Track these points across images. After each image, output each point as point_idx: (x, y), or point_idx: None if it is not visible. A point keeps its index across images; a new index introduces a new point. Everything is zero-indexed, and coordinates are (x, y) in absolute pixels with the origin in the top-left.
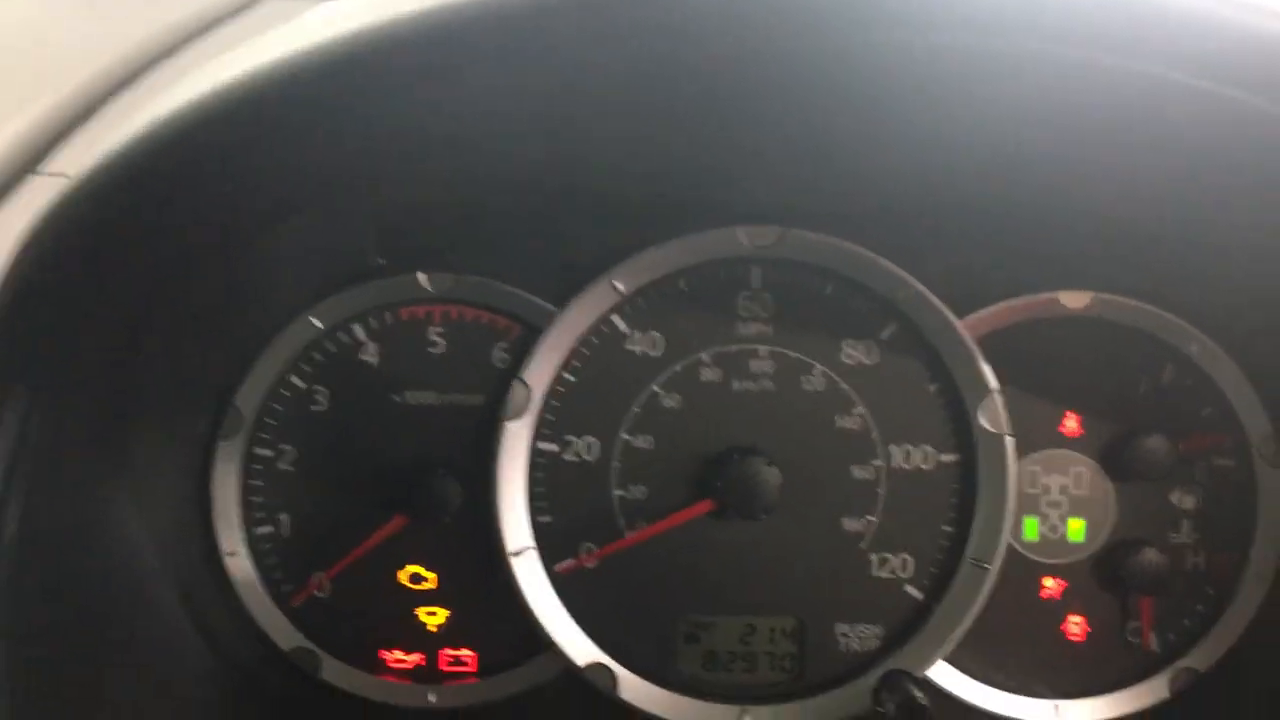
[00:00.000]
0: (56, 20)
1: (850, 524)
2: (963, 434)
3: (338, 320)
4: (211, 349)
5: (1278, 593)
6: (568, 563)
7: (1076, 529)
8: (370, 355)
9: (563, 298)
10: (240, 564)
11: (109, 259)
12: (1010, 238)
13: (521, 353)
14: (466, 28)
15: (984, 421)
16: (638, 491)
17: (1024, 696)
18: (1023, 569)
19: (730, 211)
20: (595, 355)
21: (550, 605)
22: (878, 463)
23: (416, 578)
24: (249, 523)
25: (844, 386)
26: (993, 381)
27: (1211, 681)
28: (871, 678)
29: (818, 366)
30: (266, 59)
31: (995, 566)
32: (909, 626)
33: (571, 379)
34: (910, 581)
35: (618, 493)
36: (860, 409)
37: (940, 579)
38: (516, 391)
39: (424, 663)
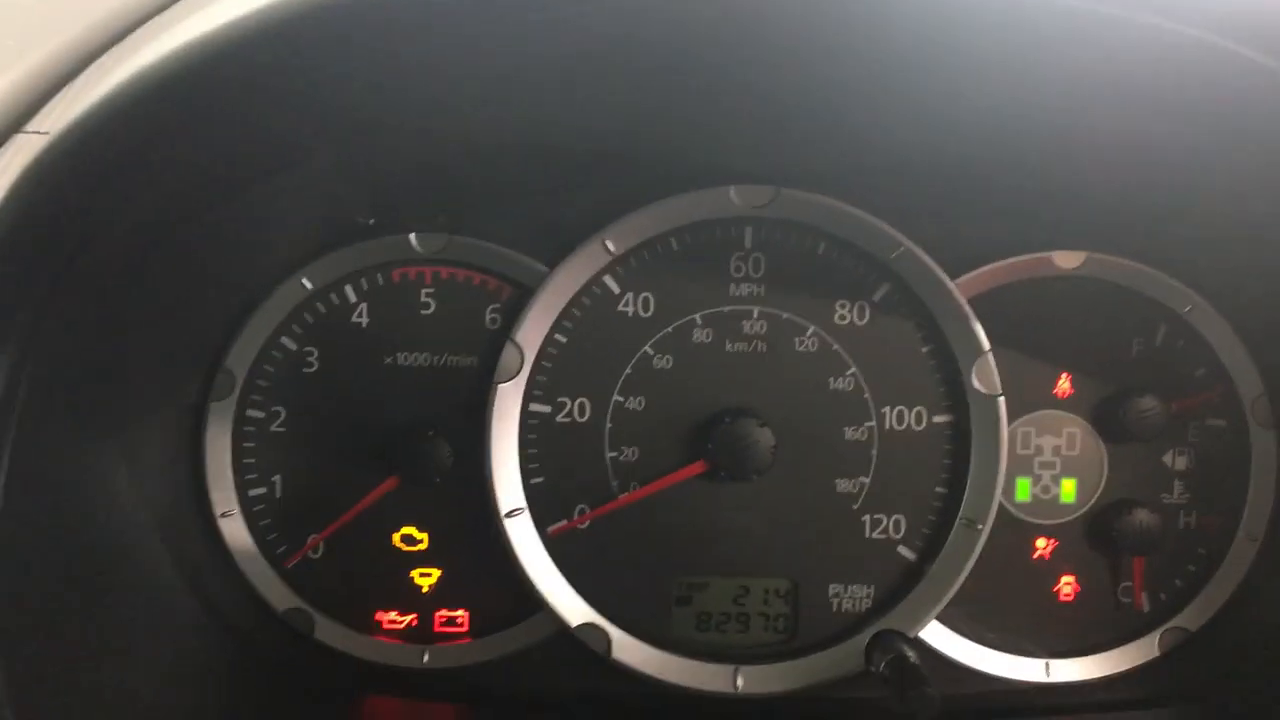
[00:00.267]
0: None
1: (843, 485)
2: (955, 395)
3: (328, 281)
4: (201, 310)
5: (1268, 553)
6: (560, 524)
7: (1068, 489)
8: (361, 316)
9: (554, 258)
10: (234, 526)
11: (91, 217)
12: (1003, 198)
13: (513, 314)
14: None
15: (976, 382)
16: (630, 453)
17: (1015, 655)
18: (1015, 529)
19: (723, 171)
20: (587, 316)
21: (543, 566)
22: (870, 424)
23: (409, 539)
24: (242, 485)
25: (836, 348)
26: (985, 342)
27: (1201, 641)
28: (864, 638)
29: (810, 328)
30: (248, 13)
31: (987, 527)
32: (901, 587)
33: (563, 340)
34: (902, 542)
35: (610, 454)
36: (853, 370)
37: (932, 540)
38: (508, 353)
39: (417, 623)
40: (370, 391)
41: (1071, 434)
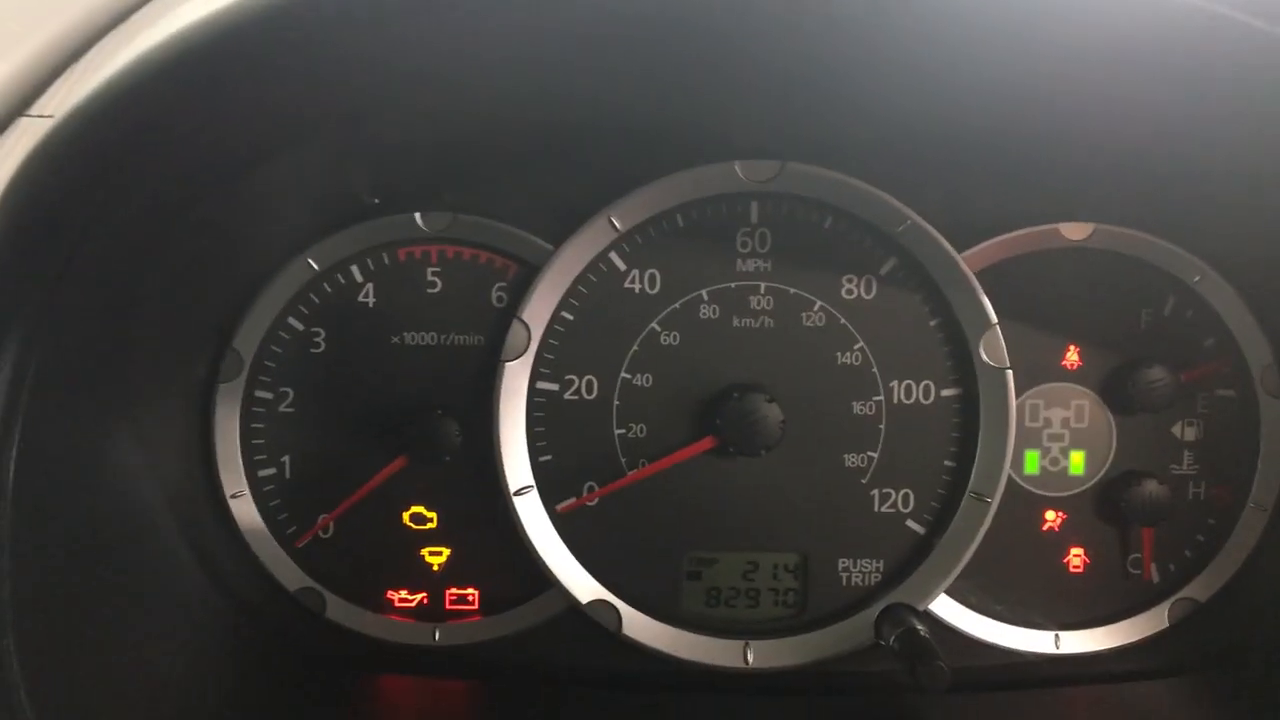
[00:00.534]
0: None
1: (851, 459)
2: (963, 368)
3: (334, 261)
4: (208, 291)
5: (1278, 523)
6: (569, 501)
7: (1077, 462)
8: (368, 296)
9: (560, 236)
10: (244, 506)
11: (97, 199)
12: (1010, 169)
13: (519, 292)
14: None
15: (984, 355)
16: (638, 430)
17: (1025, 628)
18: (1023, 502)
19: (728, 147)
20: (594, 293)
21: (552, 544)
22: (878, 398)
23: (419, 518)
24: (251, 465)
25: (844, 322)
26: (993, 315)
27: (1211, 611)
28: (873, 611)
29: (817, 302)
30: None
31: (996, 500)
32: (910, 560)
33: (570, 318)
34: (911, 516)
35: (618, 431)
36: (860, 344)
37: (941, 513)
38: (515, 331)
39: (427, 601)
40: (378, 371)
41: (1080, 406)
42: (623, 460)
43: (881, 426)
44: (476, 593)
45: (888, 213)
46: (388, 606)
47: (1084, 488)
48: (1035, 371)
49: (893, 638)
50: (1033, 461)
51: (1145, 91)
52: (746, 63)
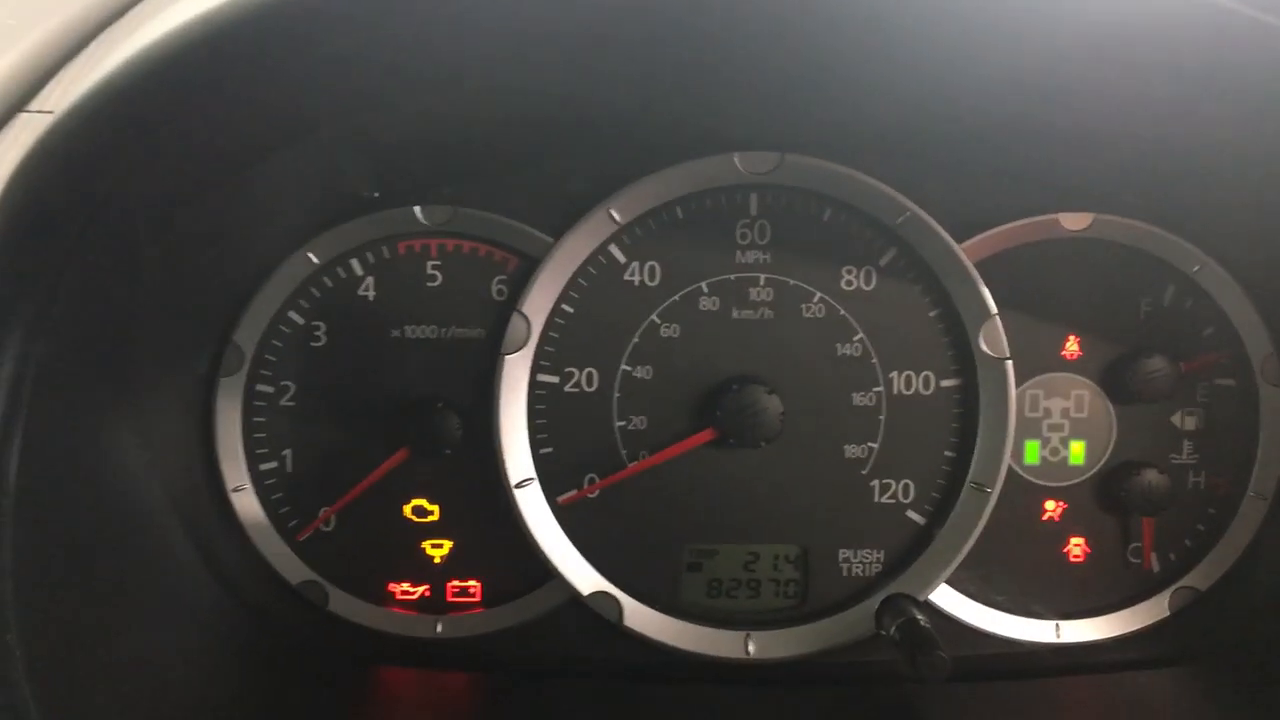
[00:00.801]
0: None
1: (851, 450)
2: (963, 359)
3: (334, 255)
4: (209, 285)
5: (1278, 511)
6: (570, 493)
7: (1077, 452)
8: (368, 290)
9: (560, 229)
10: (246, 500)
11: (97, 195)
12: (1009, 160)
13: (520, 285)
14: None
15: (984, 346)
16: (639, 422)
17: (1025, 617)
18: (1024, 492)
19: (727, 138)
20: (593, 286)
21: (554, 536)
22: (878, 389)
23: (420, 510)
24: (253, 459)
25: (843, 313)
26: (992, 306)
27: (1211, 600)
28: (874, 602)
29: (817, 294)
30: None
31: (996, 490)
32: (910, 551)
33: (570, 310)
34: (911, 506)
35: (619, 423)
36: (860, 336)
37: (941, 503)
38: (515, 324)
39: (430, 594)
40: (378, 365)
41: (1080, 396)
42: (623, 452)
43: (881, 417)
44: (478, 585)
45: (887, 204)
46: (390, 599)
47: (1084, 477)
48: (1035, 362)
49: (893, 628)
50: (1033, 451)
51: (1144, 82)
52: (746, 55)
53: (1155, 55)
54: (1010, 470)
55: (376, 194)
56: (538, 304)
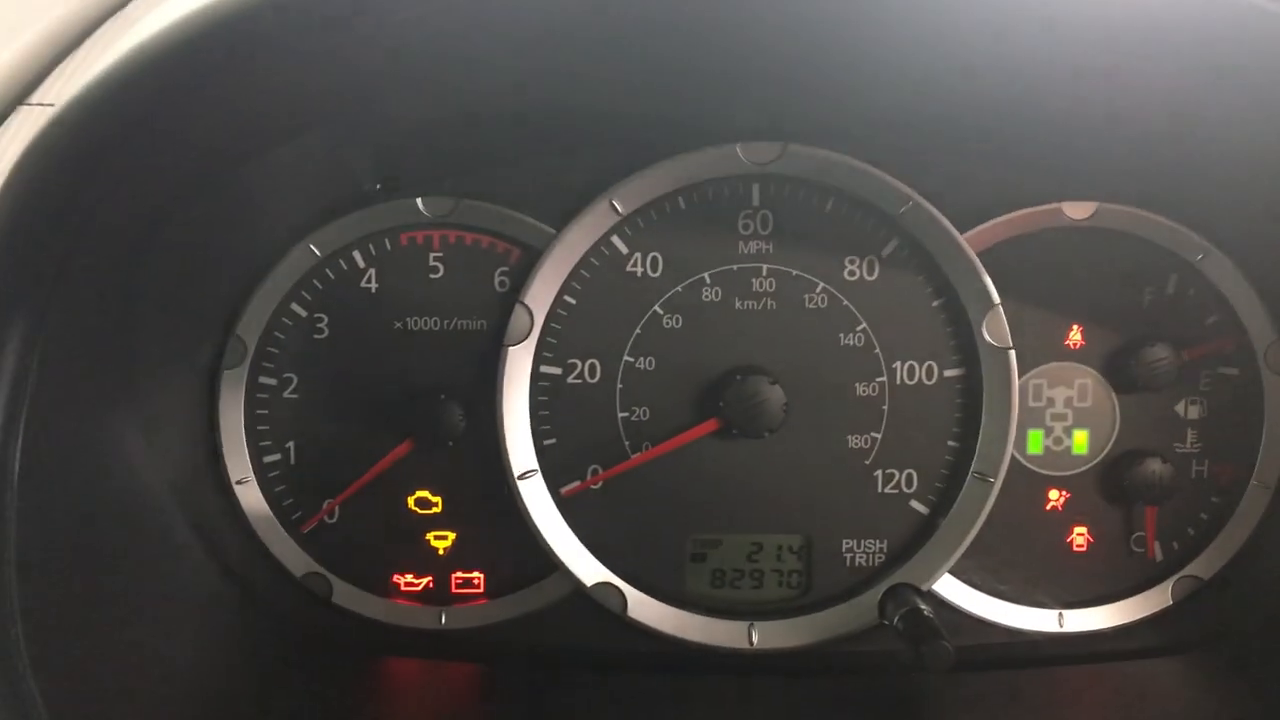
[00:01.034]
0: None
1: (854, 441)
2: (966, 348)
3: (336, 247)
4: (210, 279)
5: None
6: (573, 485)
7: (1080, 441)
8: (370, 282)
9: (562, 220)
10: (250, 492)
11: (98, 188)
12: (1012, 149)
13: (522, 276)
14: None
15: (987, 335)
16: (642, 413)
17: (1029, 607)
18: (1027, 482)
19: (729, 129)
20: (596, 277)
21: (557, 527)
22: (881, 379)
23: (424, 502)
24: (256, 452)
25: (846, 303)
26: (995, 295)
27: (1214, 589)
28: (877, 592)
29: (819, 284)
30: None
31: (999, 480)
32: (914, 541)
33: (572, 302)
34: (915, 496)
35: (622, 414)
36: (863, 326)
37: (945, 493)
38: (518, 315)
39: (433, 585)
40: (381, 356)
41: (1083, 385)
42: (626, 443)
43: (884, 407)
44: (482, 576)
45: (889, 194)
46: (394, 591)
47: (1087, 467)
48: (1038, 351)
49: (897, 618)
50: (1036, 441)
51: (1147, 70)
52: (747, 45)
53: (1158, 43)
54: (1013, 460)
55: (378, 186)
56: (540, 295)
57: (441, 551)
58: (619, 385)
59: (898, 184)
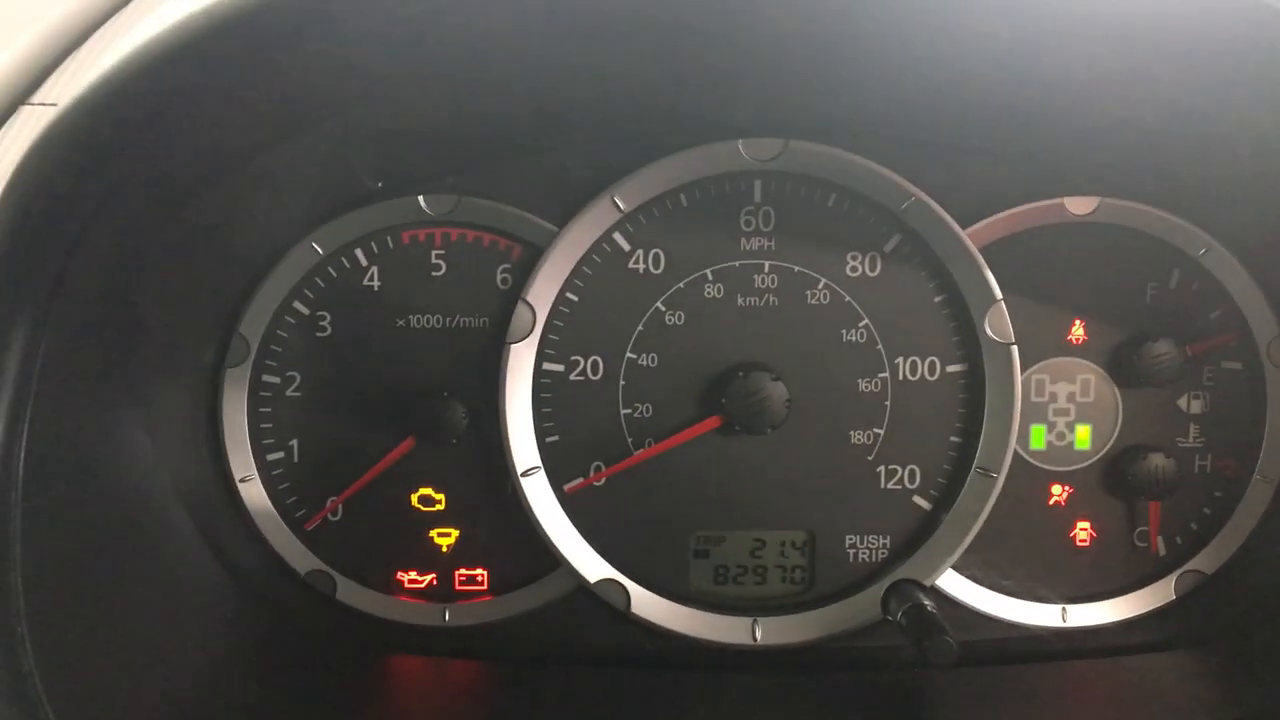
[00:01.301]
0: None
1: (857, 436)
2: (969, 344)
3: (339, 245)
4: (213, 277)
5: None
6: (577, 482)
7: (1083, 436)
8: (372, 280)
9: (564, 217)
10: (253, 490)
11: (101, 188)
12: (1014, 145)
13: (524, 274)
14: None
15: (990, 331)
16: (644, 409)
17: (1032, 602)
18: (1030, 477)
19: (731, 125)
20: (598, 274)
21: (560, 524)
22: (883, 375)
23: (427, 499)
24: (260, 450)
25: (848, 299)
26: (997, 291)
27: (1217, 583)
28: (880, 587)
29: (822, 280)
30: None
31: (1002, 475)
32: (917, 536)
33: (575, 299)
34: (918, 492)
35: (625, 411)
36: (865, 322)
37: (948, 489)
38: (520, 312)
39: (437, 583)
40: (384, 354)
41: (1086, 380)
42: (629, 440)
43: (887, 403)
44: (485, 573)
45: (891, 189)
46: (397, 588)
47: (1090, 462)
48: (1041, 346)
49: (900, 613)
50: (1039, 436)
51: (1149, 66)
52: (749, 41)
53: (1162, 39)
54: (1016, 455)
55: (380, 184)
56: (542, 292)
57: (445, 549)
58: (621, 382)
59: (900, 180)
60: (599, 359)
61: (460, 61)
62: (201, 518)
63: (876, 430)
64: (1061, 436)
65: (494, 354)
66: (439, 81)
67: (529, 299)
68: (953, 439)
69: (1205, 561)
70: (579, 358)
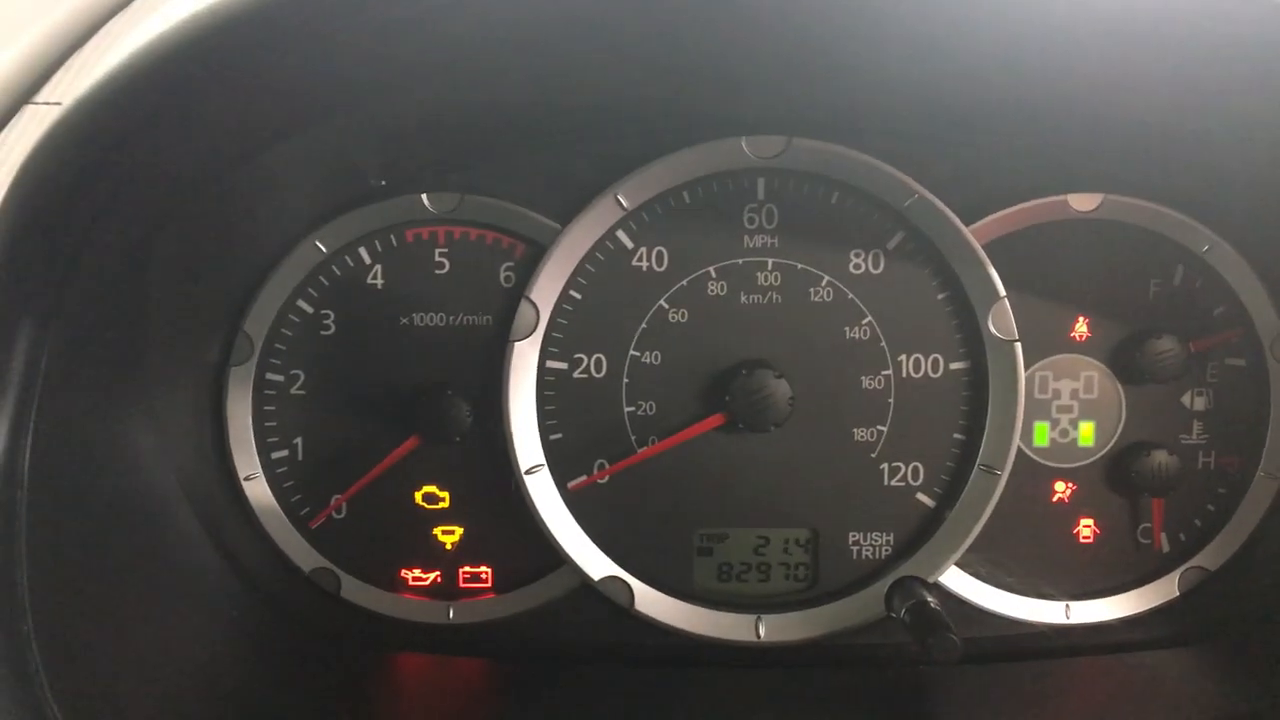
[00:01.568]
0: None
1: (861, 434)
2: (972, 341)
3: (342, 243)
4: (217, 275)
5: None
6: (580, 479)
7: (1087, 433)
8: (376, 278)
9: (567, 215)
10: (258, 488)
11: (105, 187)
12: (1017, 142)
13: (528, 271)
14: None
15: (993, 328)
16: (648, 407)
17: (1035, 599)
18: (1033, 474)
19: (734, 123)
20: (601, 272)
21: (564, 521)
22: (887, 372)
23: (431, 497)
24: (264, 448)
25: (852, 297)
26: (1001, 288)
27: (1221, 580)
28: (884, 584)
29: (825, 277)
30: None
31: (1005, 472)
32: (920, 533)
33: (578, 297)
34: (921, 489)
35: (628, 409)
36: (868, 319)
37: (951, 486)
38: (524, 310)
39: (441, 580)
40: (388, 352)
41: (1089, 377)
42: (633, 438)
43: (890, 400)
44: (489, 571)
45: (894, 187)
46: (402, 585)
47: (1094, 459)
48: (1044, 343)
49: (903, 610)
50: (1042, 433)
51: (1153, 62)
52: (752, 39)
53: (1165, 35)
54: (1019, 452)
55: (384, 182)
56: (546, 290)
57: (449, 546)
58: (625, 380)
59: (903, 177)
60: (602, 356)
61: (463, 59)
62: (206, 516)
63: (880, 427)
64: (1065, 433)
65: (497, 352)
66: (442, 79)
67: (532, 297)
68: (956, 436)
69: (1209, 558)
70: (582, 355)
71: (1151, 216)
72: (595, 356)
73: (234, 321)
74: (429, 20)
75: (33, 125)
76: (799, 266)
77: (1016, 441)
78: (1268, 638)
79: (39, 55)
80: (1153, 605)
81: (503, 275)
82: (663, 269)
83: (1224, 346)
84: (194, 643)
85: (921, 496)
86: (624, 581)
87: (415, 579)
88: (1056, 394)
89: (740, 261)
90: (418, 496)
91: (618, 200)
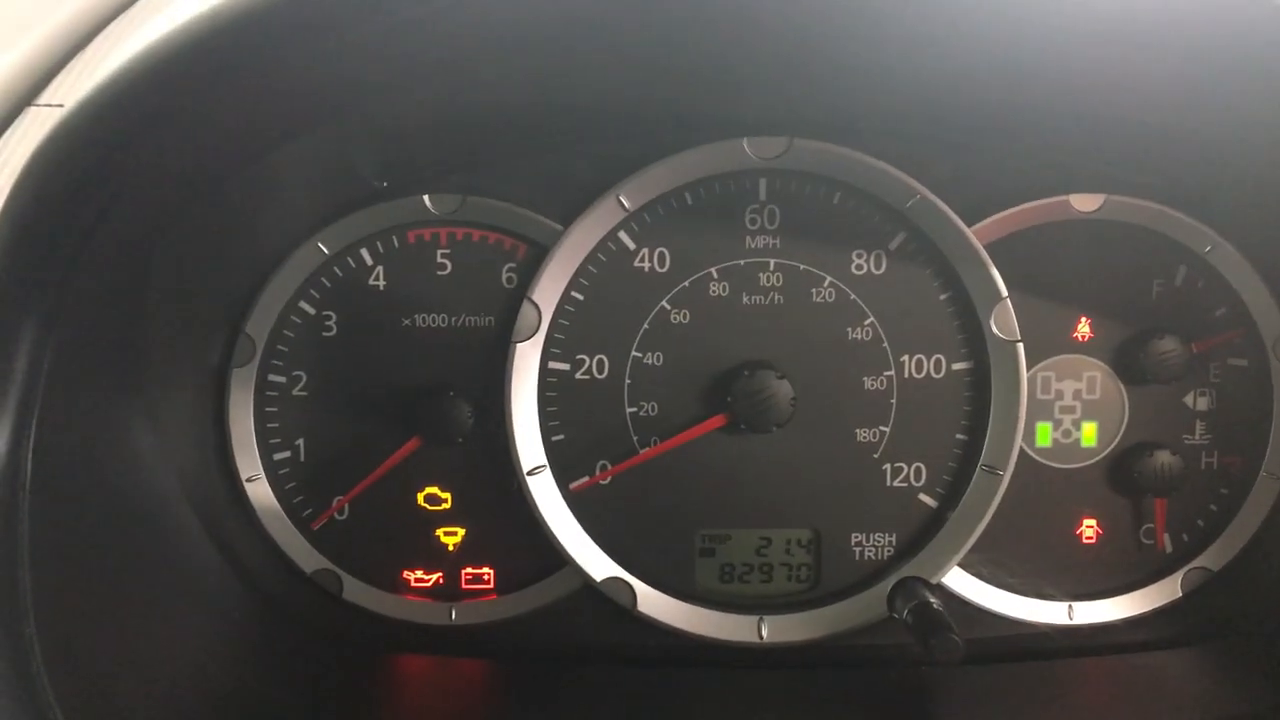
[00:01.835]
0: None
1: (863, 434)
2: (974, 341)
3: (344, 245)
4: (219, 276)
5: None
6: (582, 480)
7: (1089, 433)
8: (378, 279)
9: (569, 216)
10: (260, 489)
11: (108, 188)
12: (1019, 142)
13: (529, 272)
14: None
15: (995, 328)
16: (650, 408)
17: (1038, 599)
18: (1036, 474)
19: (736, 124)
20: (603, 273)
21: (566, 522)
22: (889, 373)
23: (433, 499)
24: (266, 449)
25: (854, 297)
26: (1003, 288)
27: (1224, 580)
28: (886, 585)
29: (827, 278)
30: None
31: (1008, 473)
32: (923, 534)
33: (580, 298)
34: (923, 490)
35: (630, 410)
36: (870, 319)
37: (953, 486)
38: (526, 311)
39: (443, 581)
40: (389, 353)
41: (1092, 377)
42: (635, 439)
43: (893, 401)
44: (492, 572)
45: (896, 187)
46: (404, 587)
47: (1096, 459)
48: (1046, 344)
49: (906, 611)
50: (1044, 434)
51: (1154, 62)
52: (753, 39)
53: (1167, 36)
54: (1022, 452)
55: (385, 183)
56: (548, 291)
57: (451, 547)
58: (627, 381)
59: (905, 177)
60: (604, 358)
61: (466, 60)
62: (208, 517)
63: (882, 428)
64: (1067, 434)
65: (499, 353)
66: (444, 80)
67: (534, 298)
68: (958, 436)
69: (1212, 558)
70: (584, 356)
71: (1153, 217)
72: (597, 357)
73: (236, 323)
74: (431, 21)
75: (35, 127)
76: (801, 267)
77: (1019, 442)
78: (1271, 638)
79: (41, 57)
80: (1155, 606)
81: (504, 276)
82: (665, 270)
83: (1226, 347)
84: (195, 644)
85: (924, 497)
86: (626, 582)
87: (417, 580)
88: (1059, 394)
89: (742, 262)
90: (420, 498)
91: (619, 201)
